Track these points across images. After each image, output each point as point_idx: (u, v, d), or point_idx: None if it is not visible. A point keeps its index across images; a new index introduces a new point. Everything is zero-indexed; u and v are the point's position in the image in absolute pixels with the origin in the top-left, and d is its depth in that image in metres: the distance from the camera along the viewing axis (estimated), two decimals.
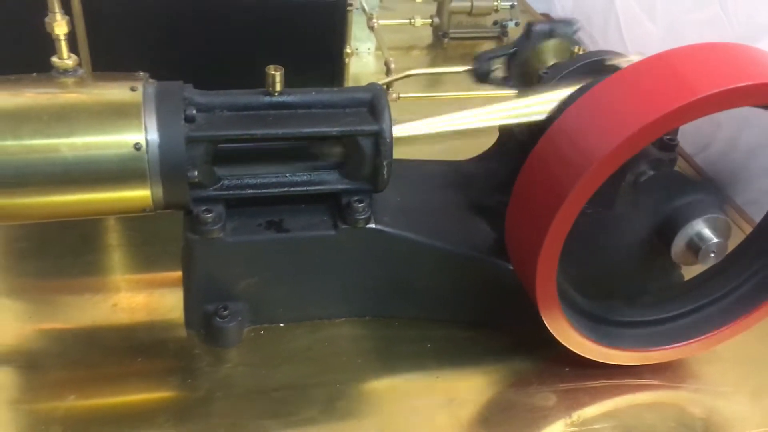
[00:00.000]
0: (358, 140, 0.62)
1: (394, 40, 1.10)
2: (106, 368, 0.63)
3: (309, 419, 0.60)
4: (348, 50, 0.90)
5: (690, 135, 0.71)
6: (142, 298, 0.70)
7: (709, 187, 0.62)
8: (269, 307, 0.67)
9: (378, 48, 1.17)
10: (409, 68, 1.15)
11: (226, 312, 0.65)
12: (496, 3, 1.24)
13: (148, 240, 0.76)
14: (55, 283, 0.71)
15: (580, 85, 0.64)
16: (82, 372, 0.62)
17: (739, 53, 0.57)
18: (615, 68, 0.62)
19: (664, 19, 1.10)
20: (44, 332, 0.66)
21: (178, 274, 0.69)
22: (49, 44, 0.61)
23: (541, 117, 0.64)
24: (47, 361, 0.63)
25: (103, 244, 0.76)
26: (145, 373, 0.63)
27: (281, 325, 0.68)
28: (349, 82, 0.93)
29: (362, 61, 1.15)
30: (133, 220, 0.76)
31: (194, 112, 0.59)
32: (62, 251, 0.74)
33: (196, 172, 0.59)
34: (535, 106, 0.65)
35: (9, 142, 0.55)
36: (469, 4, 1.24)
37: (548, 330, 0.63)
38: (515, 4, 1.27)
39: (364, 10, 1.07)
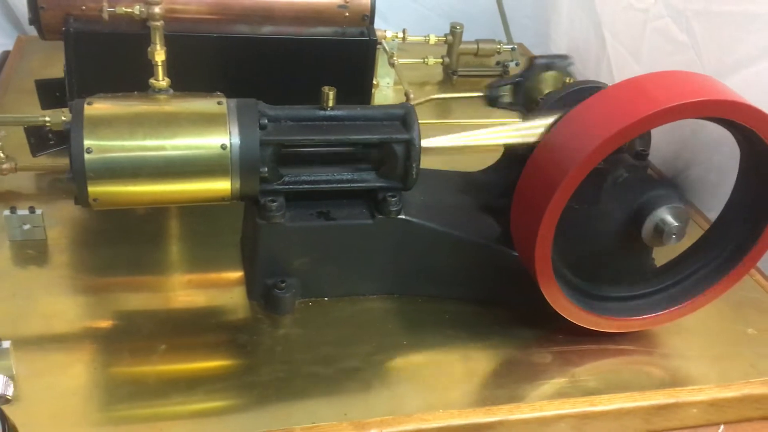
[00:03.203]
0: (392, 146, 0.76)
1: (409, 76, 1.23)
2: (188, 328, 0.76)
3: (353, 367, 0.73)
4: (374, 82, 1.06)
5: (671, 160, 0.84)
6: (210, 275, 0.84)
7: (672, 184, 0.76)
8: (317, 282, 0.80)
9: (396, 83, 1.33)
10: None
11: (284, 284, 0.78)
12: (499, 46, 1.41)
13: (211, 230, 0.90)
14: (140, 264, 0.84)
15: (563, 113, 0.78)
16: (170, 329, 0.76)
17: (692, 78, 0.72)
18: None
19: (648, 61, 1.24)
20: (136, 299, 0.80)
21: (236, 258, 0.85)
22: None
23: (535, 138, 0.77)
24: (139, 321, 0.76)
25: (174, 233, 0.91)
26: (220, 331, 0.76)
27: (326, 299, 0.81)
28: None
29: (382, 93, 1.30)
30: (197, 214, 0.91)
31: (266, 121, 0.73)
32: (141, 239, 0.88)
33: (266, 169, 0.73)
34: (530, 129, 0.78)
35: (127, 142, 0.69)
36: (475, 46, 1.40)
37: (546, 304, 0.75)
38: (516, 47, 1.44)
39: (385, 49, 1.24)
